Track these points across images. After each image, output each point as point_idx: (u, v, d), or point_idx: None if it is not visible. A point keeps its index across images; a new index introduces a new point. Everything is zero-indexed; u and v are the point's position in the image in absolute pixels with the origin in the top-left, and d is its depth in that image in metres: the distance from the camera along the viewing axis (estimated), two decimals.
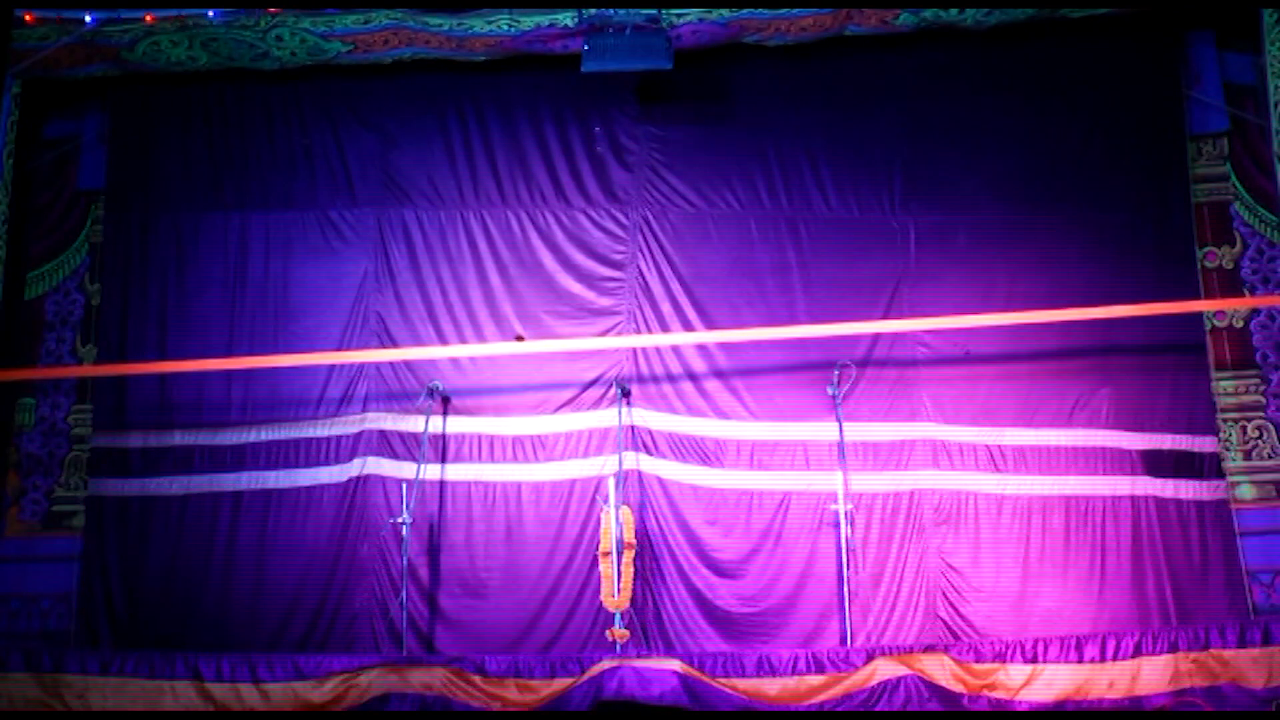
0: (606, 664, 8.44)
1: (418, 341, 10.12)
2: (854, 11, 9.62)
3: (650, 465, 9.85)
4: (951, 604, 9.50)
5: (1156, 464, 9.73)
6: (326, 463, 10.01)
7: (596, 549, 9.40)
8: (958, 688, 8.44)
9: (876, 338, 9.89)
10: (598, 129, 10.35)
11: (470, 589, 9.69)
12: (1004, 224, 10.12)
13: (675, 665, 8.43)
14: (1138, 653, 8.50)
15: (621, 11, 9.37)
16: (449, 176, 10.38)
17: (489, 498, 9.88)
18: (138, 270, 10.41)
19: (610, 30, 9.44)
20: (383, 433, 10.00)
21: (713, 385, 10.00)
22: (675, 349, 10.05)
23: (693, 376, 10.02)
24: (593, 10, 9.38)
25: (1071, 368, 9.86)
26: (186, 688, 8.62)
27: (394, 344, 10.12)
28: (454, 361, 10.07)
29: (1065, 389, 9.85)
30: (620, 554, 9.19)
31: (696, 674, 8.41)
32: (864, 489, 9.66)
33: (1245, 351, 9.96)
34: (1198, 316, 9.95)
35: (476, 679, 8.54)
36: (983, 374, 9.89)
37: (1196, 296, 9.94)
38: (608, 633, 9.11)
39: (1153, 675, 8.46)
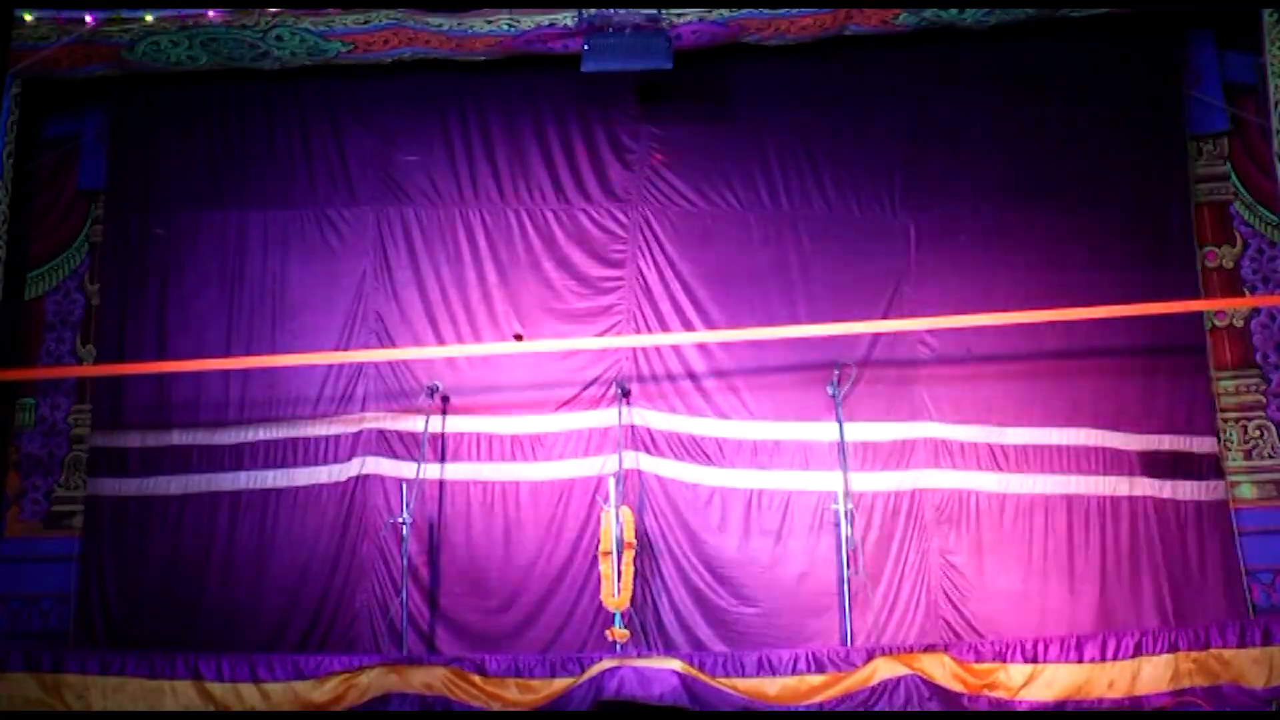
0: (606, 664, 8.43)
1: (417, 340, 10.12)
2: (854, 11, 9.61)
3: (650, 465, 9.85)
4: (952, 604, 9.50)
5: (1156, 464, 9.73)
6: (325, 462, 10.00)
7: (596, 549, 9.40)
8: (958, 687, 8.43)
9: (877, 338, 9.88)
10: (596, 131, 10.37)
11: (470, 589, 9.68)
12: (1004, 223, 10.12)
13: (675, 665, 8.42)
14: (1138, 653, 8.50)
15: (621, 11, 9.36)
16: (449, 175, 10.36)
17: (488, 497, 9.87)
18: (137, 270, 10.40)
19: (610, 30, 9.43)
20: (382, 432, 10.00)
21: (713, 385, 9.99)
22: (675, 348, 10.04)
23: (693, 376, 10.02)
24: (593, 10, 9.38)
25: (1071, 367, 9.86)
26: (186, 687, 8.60)
27: (393, 343, 10.11)
28: (453, 361, 10.07)
29: (1066, 388, 9.85)
30: (620, 554, 9.19)
31: (696, 674, 8.40)
32: (865, 489, 9.66)
33: (1245, 351, 9.97)
34: (1198, 316, 9.95)
35: (476, 679, 8.53)
36: (983, 373, 9.89)
37: (1196, 296, 9.94)
38: (608, 633, 9.10)
39: (1153, 675, 8.45)
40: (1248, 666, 8.46)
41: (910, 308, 9.92)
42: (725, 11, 9.50)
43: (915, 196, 10.18)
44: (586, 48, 9.51)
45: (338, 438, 10.02)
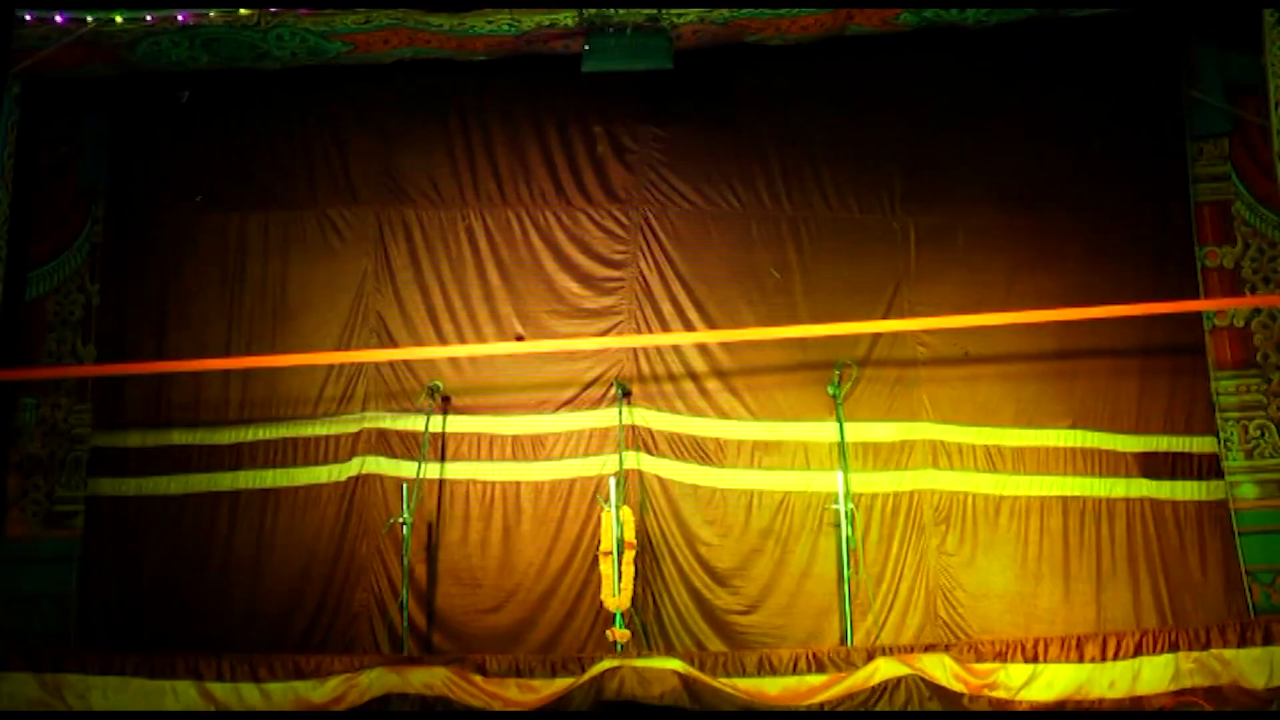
0: (607, 664, 8.43)
1: (417, 341, 10.12)
2: (854, 11, 9.60)
3: (650, 465, 9.85)
4: (951, 604, 9.51)
5: (1156, 464, 9.75)
6: (325, 462, 10.00)
7: (596, 549, 9.40)
8: (958, 688, 8.44)
9: (876, 338, 9.90)
10: (597, 128, 10.36)
11: (470, 589, 9.68)
12: (1004, 224, 10.14)
13: (675, 665, 8.42)
14: (1138, 653, 8.51)
15: (622, 11, 9.36)
16: (449, 176, 10.37)
17: (488, 497, 9.88)
18: (137, 270, 10.40)
19: (611, 30, 9.43)
20: (382, 432, 10.00)
21: (713, 385, 10.00)
22: (675, 349, 10.05)
23: (693, 376, 10.02)
24: (593, 10, 9.37)
25: (1071, 368, 9.88)
26: (187, 688, 8.61)
27: (394, 343, 10.11)
28: (453, 361, 10.07)
29: (1064, 389, 9.87)
30: (620, 554, 9.19)
31: (696, 674, 8.40)
32: (864, 489, 9.66)
33: (1246, 351, 9.97)
34: (1198, 316, 9.96)
35: (477, 679, 8.53)
36: (982, 374, 9.90)
37: (1196, 296, 9.95)
38: (608, 633, 9.10)
39: (1153, 675, 8.46)
40: (1248, 666, 8.47)
41: (910, 308, 9.93)
42: (726, 11, 9.49)
43: (915, 196, 10.19)
44: (587, 48, 9.50)
45: (338, 438, 10.01)
